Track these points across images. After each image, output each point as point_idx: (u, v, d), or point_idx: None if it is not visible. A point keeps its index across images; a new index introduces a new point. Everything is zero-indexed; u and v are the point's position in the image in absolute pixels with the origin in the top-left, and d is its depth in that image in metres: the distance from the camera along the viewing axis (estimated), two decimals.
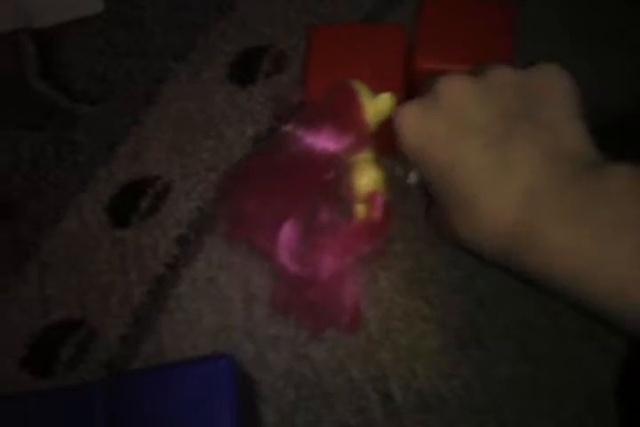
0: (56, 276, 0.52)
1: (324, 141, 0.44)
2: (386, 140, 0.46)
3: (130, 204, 0.55)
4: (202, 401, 0.40)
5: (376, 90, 0.47)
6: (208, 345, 0.49)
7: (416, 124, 0.42)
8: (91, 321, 0.50)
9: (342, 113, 0.44)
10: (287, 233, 0.47)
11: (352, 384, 0.47)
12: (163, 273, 0.52)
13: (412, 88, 0.49)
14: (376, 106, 0.44)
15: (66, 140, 0.58)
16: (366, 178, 0.46)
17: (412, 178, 0.49)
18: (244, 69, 0.60)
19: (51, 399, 0.41)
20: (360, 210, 0.48)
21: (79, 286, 0.52)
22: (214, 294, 0.51)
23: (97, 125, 0.58)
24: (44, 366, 0.49)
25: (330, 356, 0.48)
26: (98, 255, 0.53)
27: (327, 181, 0.46)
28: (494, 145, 0.40)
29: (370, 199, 0.47)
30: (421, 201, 0.51)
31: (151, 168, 0.56)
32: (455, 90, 0.41)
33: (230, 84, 0.59)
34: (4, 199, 0.55)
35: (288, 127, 0.45)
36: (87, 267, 0.53)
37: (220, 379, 0.40)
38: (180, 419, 0.40)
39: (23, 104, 0.60)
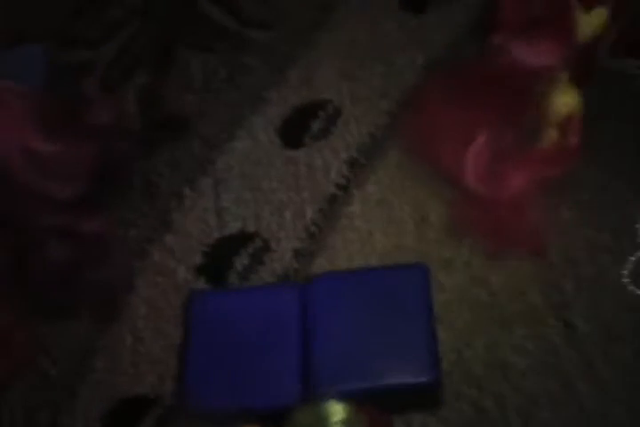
0: (231, 190, 0.53)
1: (533, 54, 0.43)
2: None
3: (301, 125, 0.55)
4: (398, 303, 0.40)
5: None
6: (380, 263, 0.50)
7: None
8: (265, 234, 0.51)
9: (555, 26, 0.43)
10: (477, 149, 0.46)
11: (532, 310, 0.46)
12: (334, 193, 0.52)
13: None
14: (590, 21, 0.43)
15: (237, 62, 0.59)
16: (566, 99, 0.45)
17: None
18: None
19: (254, 295, 0.43)
20: (552, 133, 0.47)
21: (253, 200, 0.53)
22: (385, 215, 0.51)
23: (267, 50, 0.59)
24: (218, 273, 0.50)
25: (508, 280, 0.47)
26: (271, 173, 0.54)
27: (525, 98, 0.45)
28: None
29: (565, 123, 0.46)
30: None
31: (322, 92, 0.56)
32: None
33: (401, 12, 0.59)
34: (179, 115, 0.57)
35: (496, 39, 0.44)
36: (261, 184, 0.53)
37: (416, 282, 0.41)
38: (375, 316, 0.41)
39: (193, 27, 0.62)
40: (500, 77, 0.44)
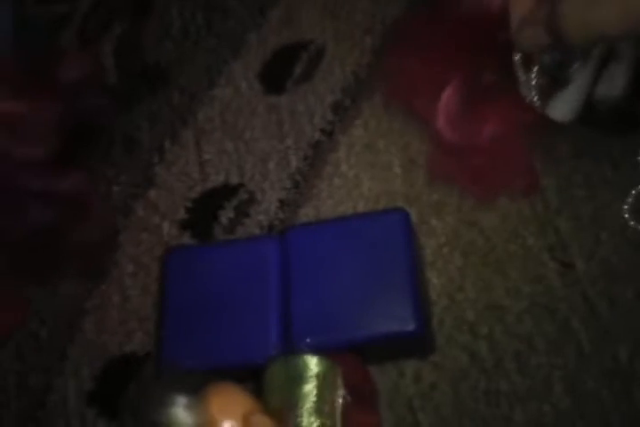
0: (213, 142, 0.51)
1: None
2: None
3: (283, 69, 0.53)
4: (378, 251, 0.39)
5: None
6: (368, 210, 0.47)
7: None
8: (249, 186, 0.50)
9: None
10: (449, 95, 0.44)
11: (527, 252, 0.44)
12: (319, 139, 0.50)
13: None
14: None
15: (216, 5, 0.56)
16: None
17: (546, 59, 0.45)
18: None
19: (230, 250, 0.42)
20: None
21: (236, 151, 0.51)
22: (373, 159, 0.49)
23: None
24: (204, 228, 0.49)
25: (501, 223, 0.45)
26: (253, 122, 0.52)
27: (497, 40, 0.42)
28: None
29: None
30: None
31: (304, 32, 0.54)
32: None
33: None
34: (157, 65, 0.55)
35: None
36: (243, 133, 0.51)
37: (396, 228, 0.39)
38: (355, 265, 0.39)
39: None
40: (469, 18, 0.41)
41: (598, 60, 0.43)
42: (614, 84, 0.43)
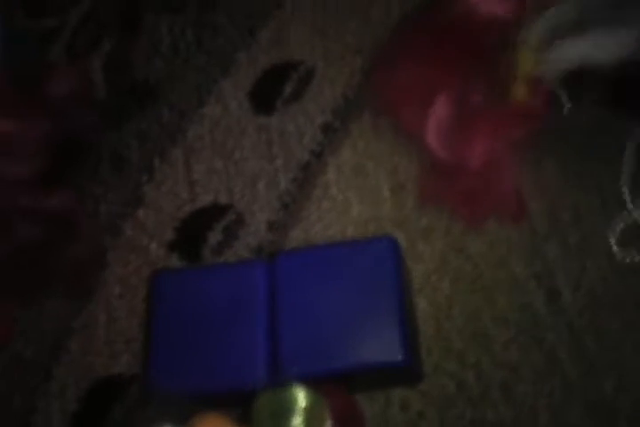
0: (202, 161, 0.51)
1: (491, 2, 0.40)
2: None
3: (273, 89, 0.53)
4: (366, 279, 0.39)
5: None
6: (357, 234, 0.48)
7: None
8: (238, 206, 0.49)
9: None
10: (438, 110, 0.44)
11: (514, 279, 0.44)
12: (308, 160, 0.50)
13: None
14: None
15: (206, 23, 0.56)
16: (534, 55, 0.42)
17: None
18: None
19: (218, 274, 0.41)
20: (520, 91, 0.44)
21: (225, 171, 0.51)
22: (361, 182, 0.49)
23: (237, 8, 0.56)
24: (191, 249, 0.49)
25: (489, 249, 0.45)
26: (243, 142, 0.52)
27: (488, 52, 0.42)
28: None
29: (533, 80, 0.43)
30: None
31: (294, 52, 0.54)
32: None
33: None
34: (147, 82, 0.54)
35: None
36: (233, 153, 0.51)
37: (385, 256, 0.39)
38: (343, 293, 0.39)
39: None
40: (455, 27, 0.41)
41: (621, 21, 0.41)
42: (611, 51, 0.42)
